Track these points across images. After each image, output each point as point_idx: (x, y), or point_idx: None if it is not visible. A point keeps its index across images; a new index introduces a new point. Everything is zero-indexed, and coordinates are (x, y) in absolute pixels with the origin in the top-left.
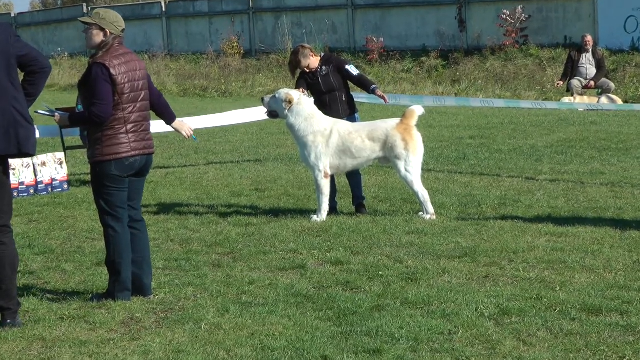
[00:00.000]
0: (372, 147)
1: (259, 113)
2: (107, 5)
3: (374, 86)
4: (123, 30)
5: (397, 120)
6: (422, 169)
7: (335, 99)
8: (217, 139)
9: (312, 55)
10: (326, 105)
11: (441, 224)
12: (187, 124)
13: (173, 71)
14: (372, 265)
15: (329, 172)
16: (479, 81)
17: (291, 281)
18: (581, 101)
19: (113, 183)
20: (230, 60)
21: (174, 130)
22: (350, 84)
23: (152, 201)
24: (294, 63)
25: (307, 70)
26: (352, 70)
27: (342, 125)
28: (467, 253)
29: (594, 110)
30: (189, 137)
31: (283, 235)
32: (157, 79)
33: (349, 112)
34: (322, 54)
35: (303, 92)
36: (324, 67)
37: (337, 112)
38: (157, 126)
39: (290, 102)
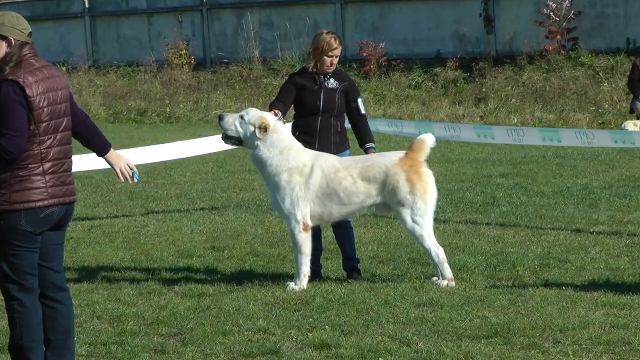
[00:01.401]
0: (366, 189)
1: (215, 144)
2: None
3: (370, 145)
4: (30, 34)
5: (400, 153)
6: (436, 219)
7: (329, 125)
8: (159, 180)
9: (336, 55)
10: (314, 131)
11: (462, 292)
12: (126, 158)
13: (99, 89)
14: (369, 350)
15: (310, 224)
16: (513, 99)
17: None
18: None
19: (22, 241)
20: (176, 74)
21: (108, 165)
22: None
23: (72, 264)
24: (323, 45)
25: (318, 70)
26: (362, 106)
27: (326, 161)
28: (498, 332)
29: None
30: (129, 177)
31: (249, 310)
32: (78, 100)
33: (341, 147)
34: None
35: (275, 114)
36: (333, 80)
37: (327, 145)
38: (78, 163)
39: (265, 129)
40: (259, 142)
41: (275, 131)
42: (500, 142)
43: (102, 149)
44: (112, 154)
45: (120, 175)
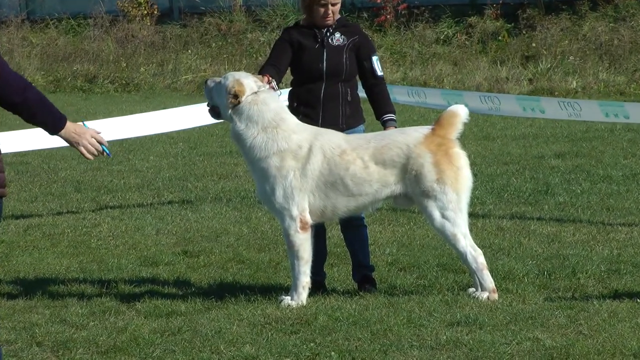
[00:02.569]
0: (381, 176)
1: (186, 117)
2: None
3: (389, 117)
4: None
5: (425, 129)
6: (472, 213)
7: (336, 93)
8: (114, 166)
9: (332, 2)
10: (317, 102)
11: (508, 307)
12: (93, 129)
13: (36, 49)
14: None
15: (309, 221)
16: (571, 57)
17: None
18: None
19: None
20: (135, 29)
21: (64, 142)
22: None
23: (4, 275)
24: None
25: (328, 22)
26: (378, 66)
27: (329, 140)
28: (554, 358)
29: None
30: (98, 152)
31: (233, 332)
32: (9, 63)
33: (353, 121)
34: (338, 16)
35: (268, 81)
36: (338, 34)
37: (334, 118)
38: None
39: (237, 95)
40: (233, 115)
41: (255, 102)
42: (552, 117)
43: (54, 125)
44: (69, 127)
45: (85, 152)
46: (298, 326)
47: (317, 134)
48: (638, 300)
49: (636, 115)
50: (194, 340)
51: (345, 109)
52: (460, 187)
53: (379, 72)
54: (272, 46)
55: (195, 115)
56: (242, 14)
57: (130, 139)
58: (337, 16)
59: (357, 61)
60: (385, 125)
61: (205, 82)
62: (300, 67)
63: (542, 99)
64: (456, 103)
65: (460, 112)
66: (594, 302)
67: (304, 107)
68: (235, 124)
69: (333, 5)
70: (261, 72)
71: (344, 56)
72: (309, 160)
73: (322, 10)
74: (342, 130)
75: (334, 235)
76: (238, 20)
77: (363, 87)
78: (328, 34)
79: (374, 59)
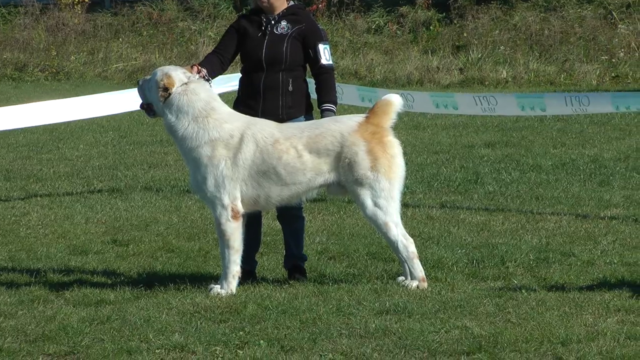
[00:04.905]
0: (315, 165)
1: (116, 103)
2: None
3: (328, 107)
4: None
5: (359, 117)
6: (404, 202)
7: (276, 83)
8: (43, 154)
9: None
10: (257, 92)
11: (437, 296)
12: None
13: None
14: None
15: (241, 210)
16: (501, 47)
17: None
18: None
19: None
20: (65, 17)
21: None
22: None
23: None
24: None
25: (266, 5)
26: (323, 54)
27: (262, 129)
28: (483, 346)
29: None
30: None
31: (162, 321)
32: None
33: (294, 112)
34: (291, 2)
35: (198, 70)
36: (285, 22)
37: (274, 108)
38: None
39: (166, 88)
40: (165, 108)
41: (185, 92)
42: (465, 114)
43: None
44: None
45: None
46: (227, 315)
47: (249, 123)
48: (566, 289)
49: (553, 107)
50: (123, 329)
51: (286, 99)
52: (393, 175)
53: (326, 61)
54: (222, 33)
55: (124, 101)
56: (173, 2)
57: (59, 125)
58: (285, 3)
59: (304, 49)
60: (322, 114)
61: (138, 82)
62: (243, 55)
63: (455, 95)
64: (370, 99)
65: (395, 101)
66: (523, 291)
67: (246, 98)
68: (166, 116)
69: (272, 4)
70: (204, 60)
71: (285, 45)
72: (240, 149)
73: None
74: (281, 121)
75: (263, 224)
76: (169, 9)
77: (312, 73)
78: (273, 22)
79: (321, 47)
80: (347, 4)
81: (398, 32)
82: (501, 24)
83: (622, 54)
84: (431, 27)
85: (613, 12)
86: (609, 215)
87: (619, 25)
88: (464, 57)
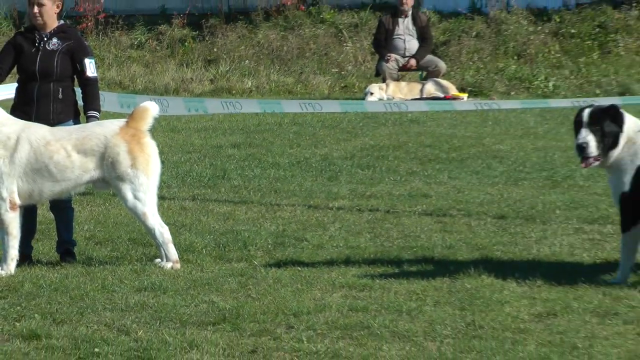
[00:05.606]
0: (82, 163)
1: None
2: None
3: (92, 112)
4: None
5: (121, 122)
6: (160, 195)
7: (48, 92)
8: None
9: (58, 7)
10: (31, 100)
11: (188, 275)
12: None
13: None
14: (84, 339)
15: (18, 202)
16: (247, 61)
17: None
18: (397, 90)
19: None
20: None
21: None
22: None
23: None
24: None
25: (39, 23)
26: (89, 67)
27: (35, 132)
28: (226, 317)
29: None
30: None
31: None
32: None
33: (63, 117)
34: (62, 21)
35: None
36: (55, 39)
37: (46, 114)
38: None
39: None
40: None
41: None
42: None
43: None
44: None
45: None
46: (7, 292)
47: (24, 127)
48: (299, 268)
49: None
50: None
51: (56, 106)
52: (150, 171)
53: (90, 74)
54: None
55: None
56: None
57: None
58: (55, 22)
59: (72, 63)
60: (87, 120)
61: None
62: (19, 67)
63: (206, 100)
64: (129, 106)
65: (150, 108)
66: (262, 270)
67: (22, 105)
68: None
69: (39, 5)
70: (2, 50)
71: (56, 59)
72: (16, 150)
73: (30, 9)
74: (52, 124)
75: (39, 214)
76: None
77: (79, 83)
78: (46, 38)
79: (87, 61)
80: (112, 23)
81: (157, 47)
82: (247, 40)
83: (350, 67)
84: (186, 43)
85: (343, 31)
86: (336, 205)
87: (347, 43)
88: (215, 70)
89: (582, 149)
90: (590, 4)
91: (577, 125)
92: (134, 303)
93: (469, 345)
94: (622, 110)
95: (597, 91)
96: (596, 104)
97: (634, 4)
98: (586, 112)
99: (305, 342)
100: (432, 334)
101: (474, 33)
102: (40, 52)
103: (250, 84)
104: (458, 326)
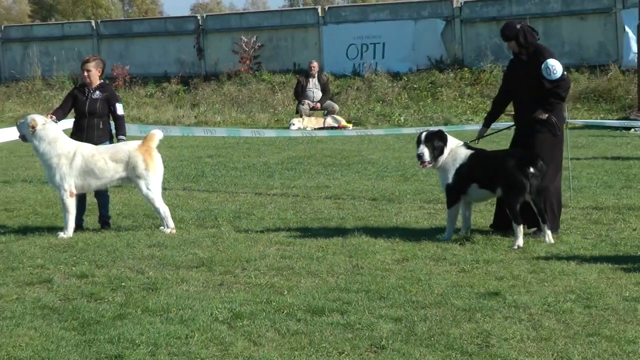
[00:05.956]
0: (115, 167)
1: (7, 135)
2: None
3: (121, 136)
4: None
5: (138, 142)
6: (163, 187)
7: (93, 124)
8: None
9: (99, 72)
10: (83, 129)
11: (180, 236)
12: None
13: None
14: (115, 277)
15: (74, 192)
16: (217, 105)
17: (38, 295)
18: (309, 122)
19: None
20: None
21: None
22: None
23: None
24: (81, 64)
25: (87, 82)
26: (119, 109)
27: (85, 148)
28: (204, 263)
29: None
30: None
31: (31, 252)
32: None
33: (103, 140)
34: (102, 81)
35: (50, 117)
36: (98, 92)
37: (91, 138)
38: None
39: (33, 127)
40: (33, 137)
41: (44, 129)
42: (198, 135)
43: None
44: None
45: None
46: (67, 248)
47: (79, 145)
48: (249, 232)
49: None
50: (9, 257)
51: (98, 133)
52: (157, 172)
53: (119, 112)
54: (64, 97)
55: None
56: (40, 80)
57: None
58: (98, 81)
59: (108, 106)
60: (118, 141)
61: (17, 122)
62: (75, 109)
63: (193, 128)
64: (144, 132)
65: (157, 134)
66: (226, 233)
67: (77, 132)
68: (33, 141)
69: (88, 71)
70: (54, 111)
71: (98, 104)
72: (74, 159)
73: (82, 73)
74: (96, 144)
75: (87, 199)
76: (37, 84)
77: (112, 118)
78: (92, 91)
79: (117, 105)
80: (134, 82)
81: (161, 96)
82: (217, 92)
83: (280, 108)
84: (179, 94)
85: (276, 86)
86: (272, 193)
87: (278, 93)
88: (197, 110)
89: (420, 157)
90: (425, 69)
91: (417, 142)
92: (147, 254)
93: (354, 279)
94: (445, 133)
95: (431, 122)
96: (429, 129)
97: (451, 70)
98: (423, 134)
99: (253, 278)
100: (332, 272)
101: (355, 87)
102: (88, 100)
103: (219, 118)
104: (348, 267)
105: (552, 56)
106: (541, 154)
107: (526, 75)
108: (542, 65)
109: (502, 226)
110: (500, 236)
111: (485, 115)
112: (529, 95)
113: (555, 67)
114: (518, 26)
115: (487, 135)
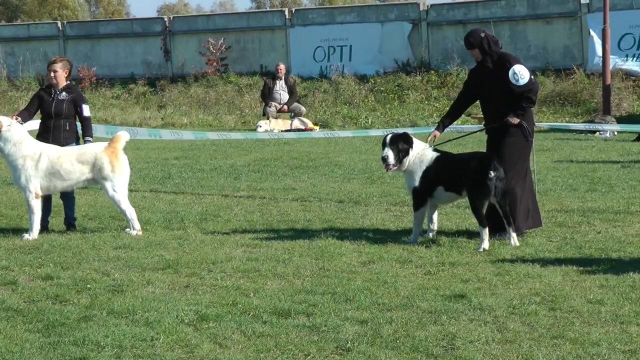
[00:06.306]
0: (81, 169)
1: None
2: None
3: (87, 137)
4: None
5: (105, 144)
6: (129, 189)
7: (59, 126)
8: None
9: (66, 73)
10: (49, 130)
11: (146, 238)
12: None
13: None
14: (80, 279)
15: (40, 193)
16: (184, 106)
17: (2, 296)
18: (276, 124)
19: None
20: None
21: None
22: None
23: None
24: (47, 65)
25: (54, 83)
26: (85, 110)
27: (51, 150)
28: (170, 265)
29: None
30: None
31: None
32: None
33: (69, 141)
34: (69, 82)
35: (16, 118)
36: (64, 93)
37: (58, 139)
38: None
39: None
40: None
41: (9, 130)
42: (166, 139)
43: None
44: None
45: None
46: (32, 250)
47: (45, 147)
48: (215, 234)
49: (210, 135)
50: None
51: (64, 134)
52: (123, 174)
53: (86, 114)
54: (30, 98)
55: None
56: (5, 81)
57: None
58: (64, 82)
59: (74, 107)
60: (84, 142)
61: None
62: (41, 110)
63: (161, 130)
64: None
65: (123, 136)
66: (192, 235)
67: (43, 133)
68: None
69: (54, 72)
70: (20, 112)
71: (65, 105)
72: (39, 161)
73: (49, 74)
74: (62, 145)
75: (53, 200)
76: (2, 85)
77: (79, 120)
78: (58, 92)
79: (84, 106)
80: (101, 83)
81: (128, 98)
82: (184, 94)
83: (247, 110)
84: (146, 96)
85: (243, 89)
86: (239, 195)
87: (245, 95)
88: (164, 112)
89: (384, 160)
90: (392, 72)
91: (383, 145)
92: (112, 256)
93: (321, 281)
94: (411, 136)
95: (397, 125)
96: (395, 132)
97: (418, 73)
98: (388, 137)
99: (219, 280)
100: (298, 274)
101: (322, 89)
102: (54, 101)
103: (186, 120)
104: (314, 269)
105: (517, 62)
106: (511, 157)
107: (494, 82)
108: (509, 72)
109: (493, 227)
110: (466, 239)
111: (441, 118)
112: (498, 102)
113: (522, 72)
114: (482, 34)
115: (455, 139)
